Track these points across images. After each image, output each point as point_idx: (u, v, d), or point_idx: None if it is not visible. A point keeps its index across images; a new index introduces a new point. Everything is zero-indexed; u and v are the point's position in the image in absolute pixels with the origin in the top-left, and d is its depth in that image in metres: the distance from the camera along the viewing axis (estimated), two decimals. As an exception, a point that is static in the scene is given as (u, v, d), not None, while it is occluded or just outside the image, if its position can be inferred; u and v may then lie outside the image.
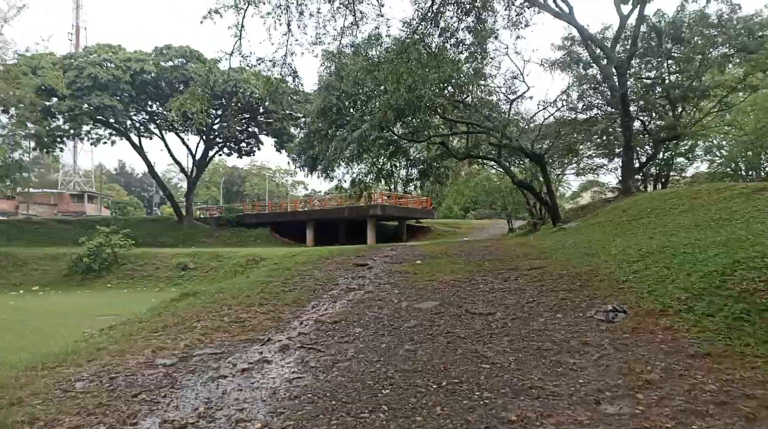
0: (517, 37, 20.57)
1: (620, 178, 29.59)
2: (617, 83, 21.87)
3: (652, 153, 25.50)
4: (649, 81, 26.03)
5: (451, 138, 26.24)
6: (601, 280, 6.73)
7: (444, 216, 53.37)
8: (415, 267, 9.28)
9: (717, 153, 35.51)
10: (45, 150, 37.47)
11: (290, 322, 5.85)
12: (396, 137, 23.17)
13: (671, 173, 31.05)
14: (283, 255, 28.49)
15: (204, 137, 40.83)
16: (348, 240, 38.74)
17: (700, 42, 23.91)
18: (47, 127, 35.07)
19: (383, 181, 25.69)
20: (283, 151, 39.15)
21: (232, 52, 11.97)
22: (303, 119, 18.83)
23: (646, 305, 5.30)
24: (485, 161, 30.34)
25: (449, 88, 20.04)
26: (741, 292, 4.57)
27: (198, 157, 41.16)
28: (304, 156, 19.13)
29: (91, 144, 43.66)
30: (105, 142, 40.58)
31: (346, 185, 24.35)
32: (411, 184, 32.54)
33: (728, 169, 36.05)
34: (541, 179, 29.45)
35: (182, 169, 41.84)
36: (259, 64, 13.72)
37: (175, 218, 41.10)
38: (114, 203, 66.59)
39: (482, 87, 21.23)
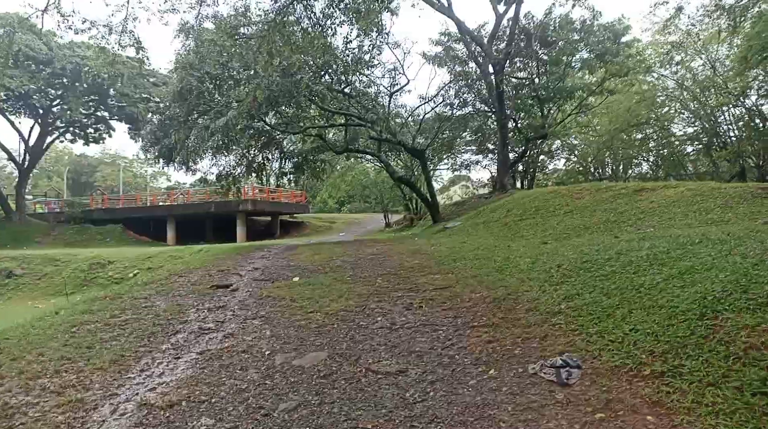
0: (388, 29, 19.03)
1: (494, 174, 29.97)
2: (494, 81, 21.56)
3: (522, 151, 25.83)
4: (519, 81, 26.34)
5: (327, 131, 24.46)
6: (528, 309, 5.36)
7: (319, 210, 51.54)
8: (292, 289, 7.34)
9: (574, 152, 37.77)
10: None
11: (97, 408, 3.66)
12: (269, 128, 20.84)
13: (534, 171, 32.17)
14: (135, 257, 25.02)
15: (39, 121, 34.67)
16: (215, 237, 35.33)
17: (564, 45, 24.52)
18: None
19: (254, 175, 23.21)
20: (139, 139, 34.51)
21: (46, 9, 8.96)
22: (157, 103, 15.71)
23: (605, 357, 3.96)
24: (362, 155, 29.00)
25: (326, 76, 18.14)
26: (746, 349, 3.37)
27: (32, 143, 34.89)
28: (159, 145, 16.05)
29: None
30: None
31: (211, 178, 21.55)
32: (285, 177, 30.23)
33: (580, 167, 38.62)
34: (420, 175, 28.85)
35: (11, 157, 35.22)
36: (89, 28, 10.74)
37: (2, 214, 34.48)
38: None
39: (363, 77, 19.65)
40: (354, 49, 17.60)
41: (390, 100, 21.46)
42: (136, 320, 5.79)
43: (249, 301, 6.75)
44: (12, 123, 34.24)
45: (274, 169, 37.18)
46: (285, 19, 15.58)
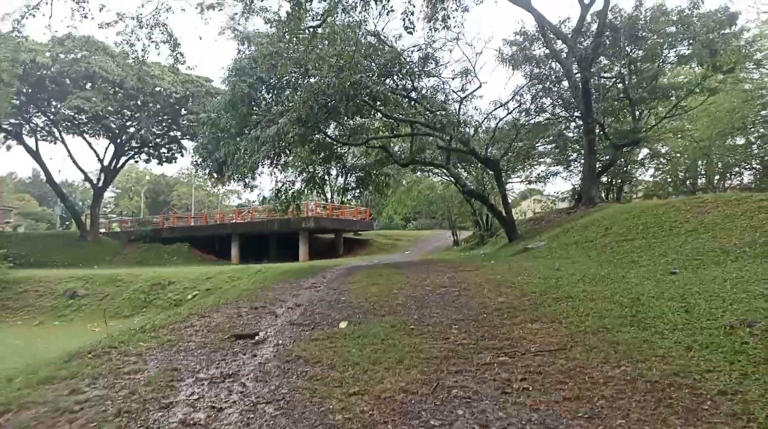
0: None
1: (576, 186, 26.85)
2: (578, 81, 18.83)
3: (609, 159, 22.67)
4: (605, 81, 23.31)
5: (392, 142, 22.54)
6: (731, 414, 2.96)
7: (384, 226, 49.68)
8: (335, 344, 5.22)
9: (662, 161, 33.66)
10: None
11: None
12: (330, 140, 19.19)
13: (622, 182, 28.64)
14: (196, 277, 23.99)
15: (116, 141, 35.15)
16: (279, 255, 34.19)
17: (658, 40, 21.36)
18: None
19: (315, 191, 21.72)
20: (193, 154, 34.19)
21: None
22: (207, 115, 14.33)
23: None
24: (429, 168, 26.81)
25: (390, 80, 16.17)
26: None
27: (108, 163, 35.41)
28: (210, 160, 14.65)
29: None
30: (-1, 147, 34.17)
31: (267, 194, 20.21)
32: (348, 193, 28.59)
33: (668, 178, 34.35)
34: (492, 188, 26.26)
35: (87, 177, 35.89)
36: (116, 21, 9.31)
37: (77, 233, 35.03)
38: (23, 216, 58.59)
39: (430, 80, 17.55)
40: (421, 45, 15.58)
41: (460, 106, 19.19)
42: (100, 402, 3.88)
43: (271, 365, 4.69)
44: (89, 144, 34.92)
45: (337, 184, 35.82)
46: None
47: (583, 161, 23.97)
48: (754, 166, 32.11)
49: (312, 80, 13.53)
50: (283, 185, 19.17)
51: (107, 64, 29.38)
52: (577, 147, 25.33)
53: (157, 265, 29.93)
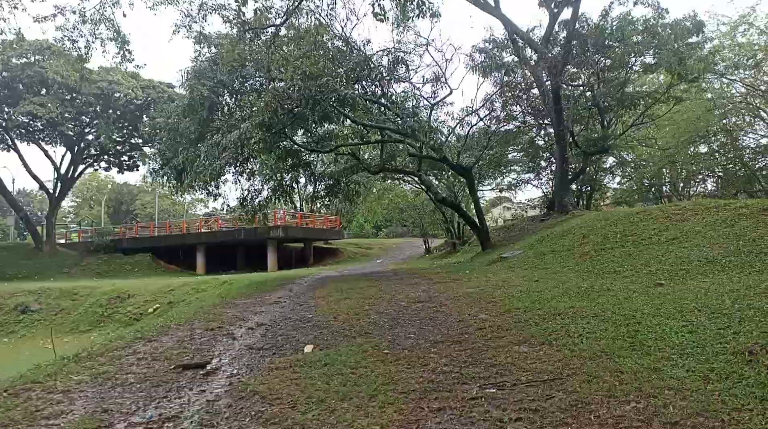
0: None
1: (547, 194, 26.71)
2: (549, 88, 18.63)
3: (581, 167, 22.54)
4: (574, 89, 23.24)
5: (362, 149, 21.94)
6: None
7: (355, 234, 48.94)
8: (297, 375, 4.51)
9: (628, 169, 33.97)
10: None
11: None
12: (297, 147, 18.45)
13: (591, 190, 28.67)
14: (158, 289, 22.76)
15: (73, 149, 33.51)
16: (247, 265, 33.11)
17: (625, 49, 21.38)
18: None
19: (283, 200, 20.90)
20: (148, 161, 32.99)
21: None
22: (165, 119, 13.43)
23: None
24: (400, 176, 26.30)
25: (360, 84, 15.56)
26: None
27: (64, 171, 33.72)
28: (168, 166, 13.71)
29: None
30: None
31: (233, 203, 19.30)
32: (317, 201, 27.82)
33: (634, 186, 34.68)
34: (463, 196, 25.89)
35: (42, 186, 34.12)
36: (55, 15, 8.40)
37: (32, 245, 33.16)
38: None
39: (401, 84, 17.03)
40: (391, 49, 15.04)
41: (431, 113, 18.70)
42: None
43: (221, 403, 3.95)
44: (45, 152, 33.19)
45: (306, 192, 34.97)
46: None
47: (553, 169, 23.84)
48: (718, 173, 32.72)
49: (277, 84, 12.80)
50: (248, 194, 18.31)
51: (62, 69, 27.94)
52: (547, 155, 25.21)
53: (118, 277, 28.48)
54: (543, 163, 25.81)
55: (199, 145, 12.71)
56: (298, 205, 39.42)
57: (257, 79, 15.17)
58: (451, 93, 19.72)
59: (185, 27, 11.70)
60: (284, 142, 16.62)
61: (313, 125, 16.86)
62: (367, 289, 9.79)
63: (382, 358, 4.90)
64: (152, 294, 22.17)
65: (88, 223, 53.34)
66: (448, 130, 19.42)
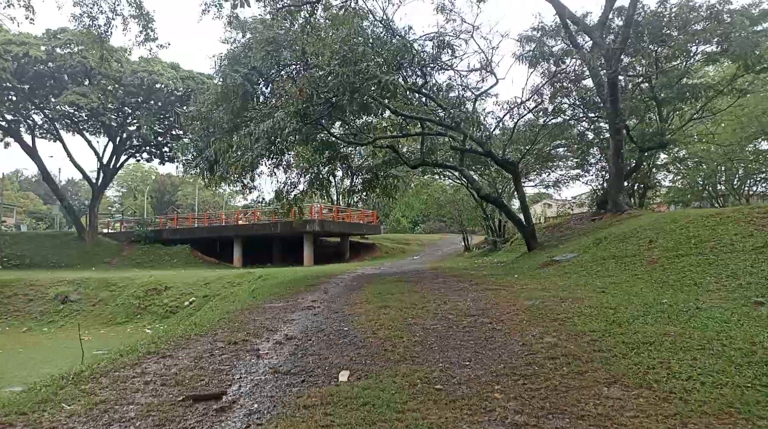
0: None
1: (598, 191, 25.10)
2: (604, 78, 17.15)
3: (636, 163, 20.88)
4: (630, 81, 21.56)
5: (401, 143, 20.95)
6: None
7: (391, 229, 48.00)
8: (332, 424, 3.54)
9: (683, 166, 31.76)
10: None
11: None
12: (334, 139, 17.58)
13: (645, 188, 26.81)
14: (194, 282, 22.39)
15: (115, 140, 33.71)
16: (283, 259, 32.66)
17: (686, 38, 19.59)
18: None
19: (319, 193, 20.16)
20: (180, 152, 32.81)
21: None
22: (198, 108, 12.73)
23: None
24: (440, 170, 25.15)
25: (400, 73, 14.51)
26: None
27: (107, 161, 33.97)
28: (200, 158, 13.04)
29: (-23, 145, 35.86)
30: (-5, 144, 32.80)
31: (268, 197, 18.67)
32: (354, 196, 26.99)
33: (688, 185, 32.42)
34: (505, 193, 24.56)
35: (85, 176, 34.48)
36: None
37: (75, 233, 33.56)
38: (27, 214, 57.30)
39: (445, 73, 15.92)
40: (435, 34, 13.93)
41: (475, 104, 17.49)
42: None
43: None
44: (89, 142, 33.52)
45: (342, 186, 34.18)
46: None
47: (604, 165, 22.26)
48: (779, 174, 30.20)
49: (313, 72, 11.90)
50: (284, 187, 17.62)
51: (107, 62, 27.91)
52: (598, 150, 23.61)
53: (157, 268, 28.41)
54: (592, 159, 24.18)
55: (233, 135, 11.96)
56: (334, 198, 38.79)
57: (293, 67, 14.37)
58: (497, 83, 18.49)
59: (215, 6, 10.91)
60: (321, 134, 15.78)
61: (351, 117, 15.96)
62: (408, 296, 8.79)
63: (435, 396, 3.89)
64: (188, 286, 21.84)
65: (132, 213, 54.20)
66: (495, 123, 18.15)
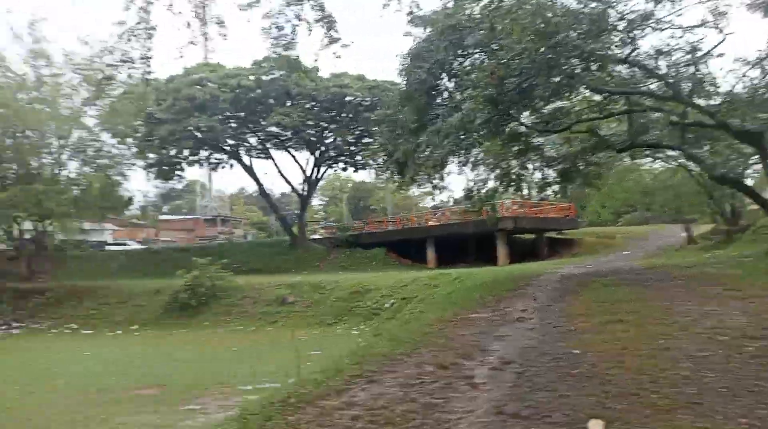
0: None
1: None
2: None
3: None
4: None
5: (600, 125, 18.41)
6: None
7: (590, 222, 43.67)
8: None
9: None
10: (164, 178, 36.09)
11: None
12: (524, 129, 16.10)
13: None
14: (393, 283, 22.79)
15: (314, 153, 36.74)
16: (477, 258, 31.70)
17: None
18: (164, 155, 33.22)
19: (510, 188, 18.85)
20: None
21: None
22: (384, 111, 12.53)
23: None
24: (649, 152, 21.62)
25: (601, 39, 12.42)
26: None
27: (309, 173, 37.22)
28: (390, 161, 12.84)
29: (211, 169, 42.18)
30: (223, 166, 38.33)
31: (458, 195, 17.98)
32: (548, 188, 24.80)
33: None
34: (744, 172, 20.11)
35: (293, 188, 38.23)
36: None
37: (290, 240, 37.33)
38: (252, 225, 66.13)
39: (659, 34, 13.29)
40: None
41: (698, 67, 14.34)
42: None
43: None
44: (294, 157, 37.09)
45: (534, 179, 32.02)
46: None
47: None
48: None
49: (501, 54, 10.74)
50: (474, 184, 16.73)
51: (302, 80, 30.45)
52: None
53: (358, 271, 29.80)
54: None
55: (419, 134, 11.43)
56: (525, 192, 36.68)
57: (476, 56, 13.39)
58: (724, 40, 14.94)
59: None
60: (510, 125, 14.47)
61: (542, 103, 14.30)
62: (642, 305, 7.10)
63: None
64: (388, 288, 22.28)
65: (332, 220, 58.80)
66: (737, 79, 14.62)
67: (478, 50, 12.16)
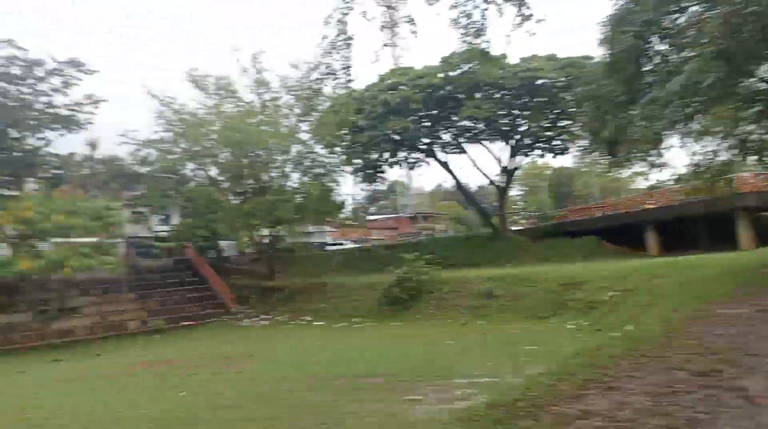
0: None
1: None
2: None
3: None
4: None
5: None
6: None
7: None
8: None
9: None
10: (368, 181, 39.01)
11: None
12: (767, 84, 13.24)
13: None
14: (610, 274, 20.83)
15: (509, 142, 35.89)
16: (710, 243, 27.24)
17: None
18: (367, 160, 36.04)
19: (748, 158, 15.57)
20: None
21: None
22: (584, 88, 11.50)
23: None
24: None
25: None
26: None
27: (506, 164, 36.48)
28: (597, 140, 11.72)
29: (410, 168, 44.14)
30: (420, 165, 40.00)
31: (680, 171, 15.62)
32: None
33: None
34: None
35: (490, 181, 37.86)
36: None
37: (490, 233, 37.06)
38: (451, 220, 67.47)
39: None
40: None
41: None
42: None
43: None
44: (488, 149, 36.78)
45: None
46: None
47: None
48: None
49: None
50: (702, 158, 14.35)
51: (492, 71, 29.88)
52: None
53: (562, 261, 28.11)
54: None
55: (630, 107, 10.17)
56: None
57: (695, 8, 11.40)
58: None
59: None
60: (744, 83, 11.99)
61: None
62: None
63: None
64: (604, 280, 20.45)
65: (533, 210, 56.71)
66: None
67: (695, 2, 10.39)
